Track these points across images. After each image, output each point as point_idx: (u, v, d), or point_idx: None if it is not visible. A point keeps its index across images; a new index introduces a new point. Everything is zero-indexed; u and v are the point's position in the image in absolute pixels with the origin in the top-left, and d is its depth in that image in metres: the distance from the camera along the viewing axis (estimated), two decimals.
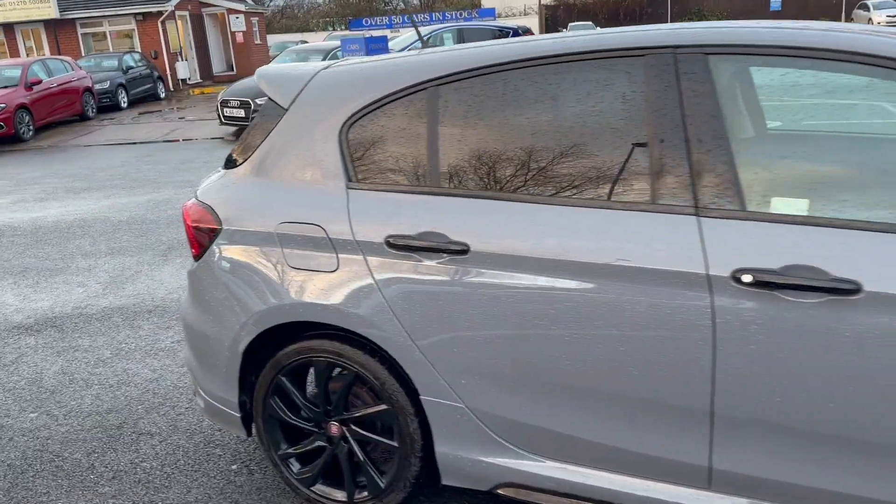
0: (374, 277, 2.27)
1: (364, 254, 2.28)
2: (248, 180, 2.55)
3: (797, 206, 1.88)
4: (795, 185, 1.94)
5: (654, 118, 2.01)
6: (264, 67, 2.73)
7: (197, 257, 2.63)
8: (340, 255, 2.32)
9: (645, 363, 1.98)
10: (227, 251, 2.52)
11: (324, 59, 11.50)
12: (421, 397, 2.31)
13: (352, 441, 2.50)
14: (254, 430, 2.76)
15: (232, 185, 2.58)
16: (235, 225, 2.50)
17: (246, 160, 2.59)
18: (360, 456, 2.49)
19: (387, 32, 20.61)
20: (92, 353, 4.14)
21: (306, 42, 29.10)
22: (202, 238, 2.59)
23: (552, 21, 40.81)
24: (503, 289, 2.11)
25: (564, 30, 35.29)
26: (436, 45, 17.38)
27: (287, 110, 2.52)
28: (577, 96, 2.12)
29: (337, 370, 2.47)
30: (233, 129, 14.14)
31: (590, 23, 37.85)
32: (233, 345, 2.54)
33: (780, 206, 1.89)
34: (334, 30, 44.11)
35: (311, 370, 2.55)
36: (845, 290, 1.75)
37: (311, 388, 2.81)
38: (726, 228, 1.89)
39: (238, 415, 2.65)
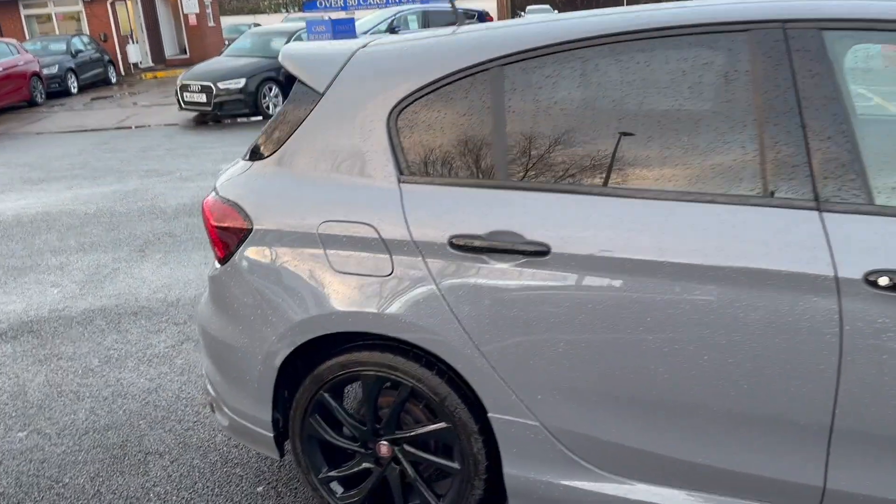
0: (435, 282, 2.02)
1: (423, 256, 2.03)
2: (281, 174, 2.26)
3: None
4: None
5: (764, 101, 1.80)
6: (290, 47, 2.44)
7: (222, 260, 2.34)
8: (395, 258, 2.06)
9: (758, 375, 1.78)
10: (259, 254, 2.24)
11: (287, 42, 11.06)
12: (489, 415, 2.08)
13: (405, 462, 2.26)
14: (286, 450, 2.50)
15: (261, 179, 2.29)
16: (269, 224, 2.22)
17: (275, 151, 2.30)
18: (415, 478, 2.25)
19: (342, 14, 20.11)
20: (78, 361, 3.80)
21: (259, 25, 28.28)
22: (229, 239, 2.30)
23: (512, 4, 40.56)
24: (590, 294, 1.88)
25: (523, 13, 35.07)
26: (400, 29, 17.05)
27: (322, 95, 2.24)
28: (670, 77, 1.90)
29: (386, 384, 2.22)
30: (193, 114, 13.61)
31: (547, 6, 37.75)
32: (267, 358, 2.26)
33: None
34: (288, 12, 43.10)
35: (352, 384, 2.30)
36: None
37: (348, 402, 2.55)
38: (854, 225, 1.69)
39: (271, 434, 2.38)
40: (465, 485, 2.18)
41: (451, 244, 1.99)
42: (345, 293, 2.12)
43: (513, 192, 1.98)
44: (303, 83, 2.30)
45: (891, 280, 1.63)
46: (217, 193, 2.38)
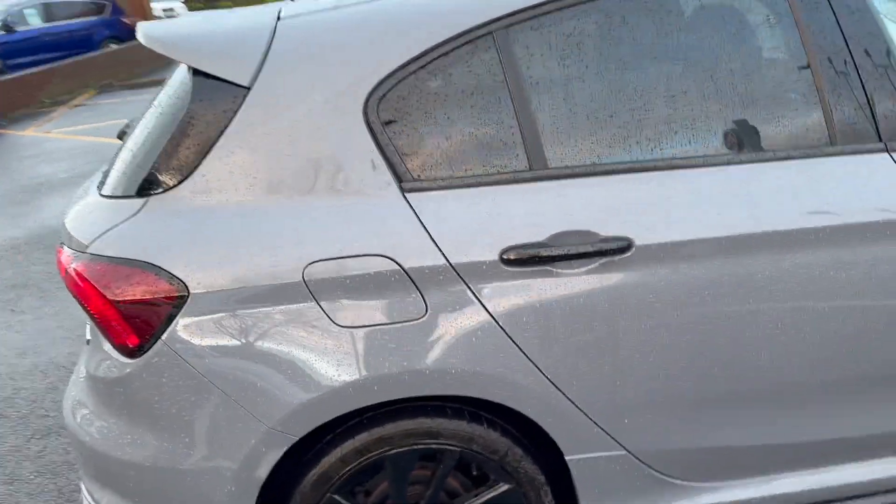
0: (490, 313, 1.56)
1: (468, 282, 1.55)
2: (211, 208, 1.57)
3: None
4: None
5: (813, 42, 1.65)
6: (158, 27, 1.70)
7: (139, 349, 1.56)
8: (428, 293, 1.54)
9: (861, 334, 1.66)
10: (207, 327, 1.54)
11: None
12: (567, 458, 1.68)
13: None
14: None
15: (178, 220, 1.57)
16: (215, 283, 1.52)
17: (187, 178, 1.59)
18: None
19: None
20: None
21: None
22: (146, 316, 1.54)
23: None
24: (684, 287, 1.59)
25: None
26: (17, 25, 14.60)
27: (249, 89, 1.59)
28: (711, 23, 1.66)
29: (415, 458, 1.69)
30: None
31: None
32: (244, 470, 1.58)
33: None
34: None
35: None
36: None
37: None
38: None
39: None
40: None
41: (505, 260, 1.54)
42: (361, 354, 1.54)
43: (568, 180, 1.59)
44: (208, 75, 1.61)
45: None
46: (91, 253, 1.57)
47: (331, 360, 1.54)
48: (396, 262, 1.53)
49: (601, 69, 1.63)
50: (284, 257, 1.53)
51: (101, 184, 1.76)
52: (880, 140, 1.65)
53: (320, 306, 1.54)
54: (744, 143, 1.63)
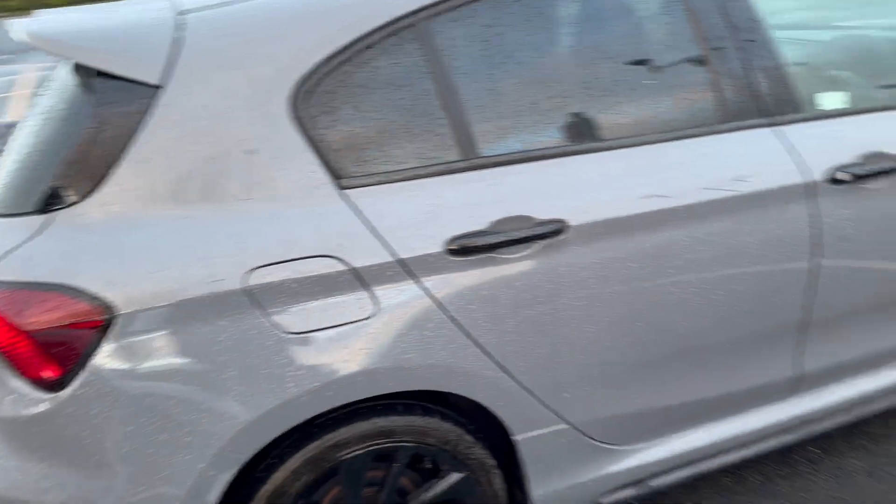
0: (439, 304, 1.55)
1: (416, 275, 1.53)
2: (129, 219, 1.43)
3: (838, 99, 1.93)
4: (826, 80, 1.99)
5: (700, 27, 1.80)
6: (43, 24, 1.52)
7: (59, 381, 1.40)
8: (377, 291, 1.51)
9: (760, 295, 1.83)
10: (138, 349, 1.40)
11: None
12: (516, 438, 1.72)
13: None
14: None
15: (94, 236, 1.42)
16: (143, 301, 1.40)
17: (97, 187, 1.44)
18: None
19: None
20: None
21: None
22: (66, 344, 1.38)
23: None
24: (613, 262, 1.67)
25: None
26: None
27: (161, 88, 1.47)
28: (618, 13, 1.75)
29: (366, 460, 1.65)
30: None
31: None
32: (191, 499, 1.47)
33: (828, 101, 1.92)
34: None
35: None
36: None
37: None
38: (806, 132, 1.84)
39: None
40: None
41: (450, 250, 1.54)
42: (313, 360, 1.48)
43: (500, 168, 1.62)
44: (110, 75, 1.47)
45: (846, 174, 1.82)
46: None
47: (281, 370, 1.46)
48: (343, 262, 1.49)
49: (521, 59, 1.66)
50: (221, 265, 1.43)
51: None
52: (762, 117, 1.83)
53: (265, 314, 1.46)
54: (652, 125, 1.74)
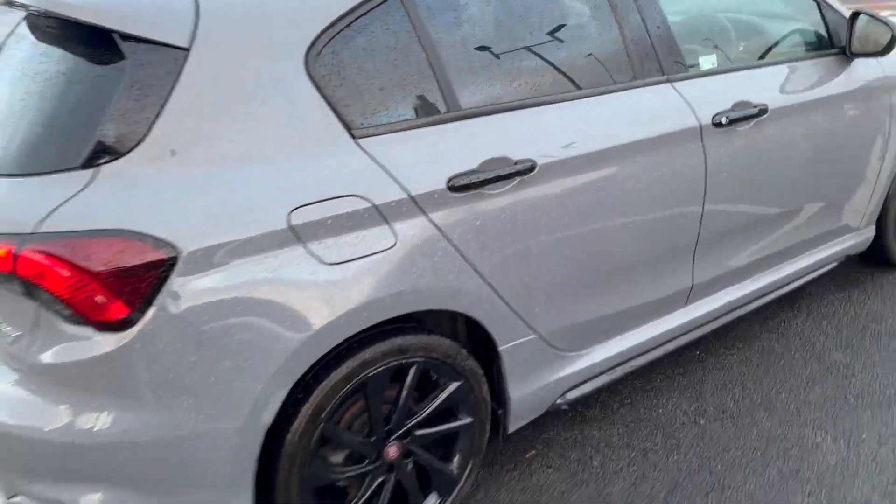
0: (444, 234, 1.83)
1: (425, 210, 1.80)
2: (180, 170, 1.57)
3: (711, 61, 2.43)
4: (698, 43, 2.47)
5: (618, 11, 2.21)
6: None
7: (128, 319, 1.51)
8: (395, 224, 1.76)
9: (671, 219, 2.29)
10: (201, 285, 1.55)
11: None
12: (500, 348, 2.03)
13: (418, 451, 1.99)
14: None
15: (147, 185, 1.54)
16: (203, 241, 1.55)
17: (138, 144, 1.56)
18: (430, 459, 2.02)
19: None
20: None
21: None
22: (135, 285, 1.50)
23: None
24: (572, 195, 2.04)
25: None
26: None
27: (189, 51, 1.62)
28: None
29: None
30: None
31: None
32: (251, 418, 1.64)
33: (704, 63, 2.41)
34: None
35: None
36: (763, 111, 2.42)
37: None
38: (700, 87, 2.32)
39: None
40: (477, 434, 2.08)
41: (451, 187, 1.83)
42: (348, 286, 1.70)
43: (482, 118, 1.92)
44: (142, 39, 1.59)
45: (725, 118, 2.32)
46: (50, 232, 1.47)
47: (324, 296, 1.67)
48: (367, 200, 1.72)
49: (493, 23, 1.98)
50: (267, 207, 1.61)
51: None
52: (663, 75, 2.27)
53: (307, 248, 1.65)
54: (592, 82, 2.13)
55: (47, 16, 1.63)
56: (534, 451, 2.39)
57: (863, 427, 2.40)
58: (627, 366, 2.42)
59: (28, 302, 1.55)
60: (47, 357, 1.56)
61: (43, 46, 1.71)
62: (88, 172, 1.53)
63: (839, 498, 2.11)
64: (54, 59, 1.68)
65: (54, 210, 1.49)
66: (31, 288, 1.50)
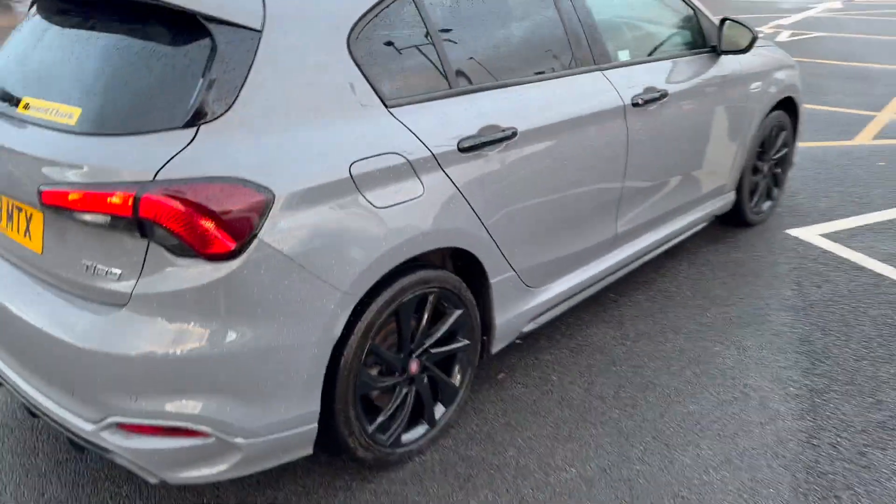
0: (456, 186, 2.29)
1: (443, 166, 2.25)
2: (262, 129, 1.93)
3: (627, 54, 3.05)
4: (616, 41, 3.08)
5: (562, 16, 2.77)
6: None
7: (235, 251, 1.84)
8: (424, 177, 2.20)
9: (605, 176, 2.87)
10: (291, 222, 1.92)
11: None
12: (491, 281, 2.51)
13: (432, 367, 2.43)
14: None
15: (237, 141, 1.88)
16: (290, 187, 1.92)
17: (229, 109, 1.91)
18: (439, 374, 2.46)
19: None
20: None
21: None
22: (241, 223, 1.84)
23: None
24: (542, 155, 2.56)
25: None
26: None
27: (261, 32, 1.99)
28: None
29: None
30: None
31: None
32: (325, 333, 2.02)
33: (622, 56, 3.02)
34: None
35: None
36: (664, 94, 3.08)
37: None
38: (621, 74, 2.92)
39: (315, 425, 2.11)
40: (471, 353, 2.55)
41: (460, 148, 2.29)
42: (395, 225, 2.12)
43: (478, 93, 2.40)
44: (224, 21, 1.93)
45: (640, 100, 2.94)
46: (171, 179, 1.79)
47: (377, 233, 2.08)
48: (403, 157, 2.14)
49: (485, 17, 2.46)
50: (333, 161, 2.00)
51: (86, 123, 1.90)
52: (594, 63, 2.86)
53: (362, 195, 2.05)
54: (551, 68, 2.67)
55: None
56: (503, 374, 2.89)
57: (747, 338, 3.12)
58: (571, 301, 2.99)
59: (138, 242, 1.85)
60: (160, 287, 1.86)
61: (134, 25, 1.99)
62: (191, 131, 1.86)
63: (741, 384, 2.79)
64: (149, 36, 1.97)
65: (168, 161, 1.81)
66: (149, 228, 1.81)
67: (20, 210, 2.11)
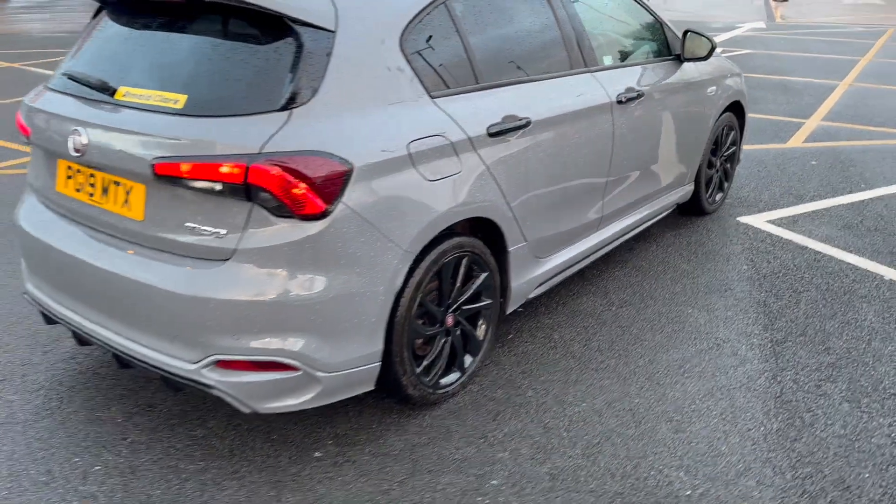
0: (486, 165, 2.73)
1: (476, 148, 2.68)
2: (339, 113, 2.33)
3: (609, 59, 3.55)
4: (601, 48, 3.57)
5: (559, 24, 3.24)
6: None
7: (323, 213, 2.23)
8: (461, 156, 2.63)
9: (595, 163, 3.36)
10: (364, 190, 2.32)
11: None
12: (509, 249, 2.95)
13: (464, 321, 2.84)
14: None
15: (321, 122, 2.28)
16: (365, 160, 2.32)
17: (314, 95, 2.30)
18: (470, 328, 2.88)
19: None
20: None
21: None
22: (329, 189, 2.23)
23: None
24: (550, 142, 3.02)
25: None
26: None
27: (335, 32, 2.39)
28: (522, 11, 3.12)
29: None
30: None
31: None
32: (391, 282, 2.43)
33: (606, 60, 3.52)
34: None
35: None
36: (641, 94, 3.59)
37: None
38: (606, 76, 3.41)
39: (378, 363, 2.50)
40: (494, 311, 2.98)
41: (489, 133, 2.73)
42: (441, 197, 2.54)
43: (501, 88, 2.85)
44: (307, 24, 2.33)
45: (624, 98, 3.44)
46: (276, 151, 2.17)
47: (429, 201, 2.49)
48: (446, 138, 2.57)
49: (501, 25, 2.91)
50: (396, 140, 2.41)
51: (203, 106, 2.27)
52: (585, 66, 3.35)
53: (417, 169, 2.47)
54: (555, 69, 3.14)
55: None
56: (511, 335, 3.33)
57: (714, 304, 3.64)
58: (566, 272, 3.45)
59: (243, 205, 2.22)
60: (261, 242, 2.23)
61: (229, 26, 2.37)
62: (285, 114, 2.24)
63: (713, 338, 3.30)
64: (243, 35, 2.34)
65: (271, 138, 2.19)
66: (254, 192, 2.18)
67: (118, 184, 2.44)
